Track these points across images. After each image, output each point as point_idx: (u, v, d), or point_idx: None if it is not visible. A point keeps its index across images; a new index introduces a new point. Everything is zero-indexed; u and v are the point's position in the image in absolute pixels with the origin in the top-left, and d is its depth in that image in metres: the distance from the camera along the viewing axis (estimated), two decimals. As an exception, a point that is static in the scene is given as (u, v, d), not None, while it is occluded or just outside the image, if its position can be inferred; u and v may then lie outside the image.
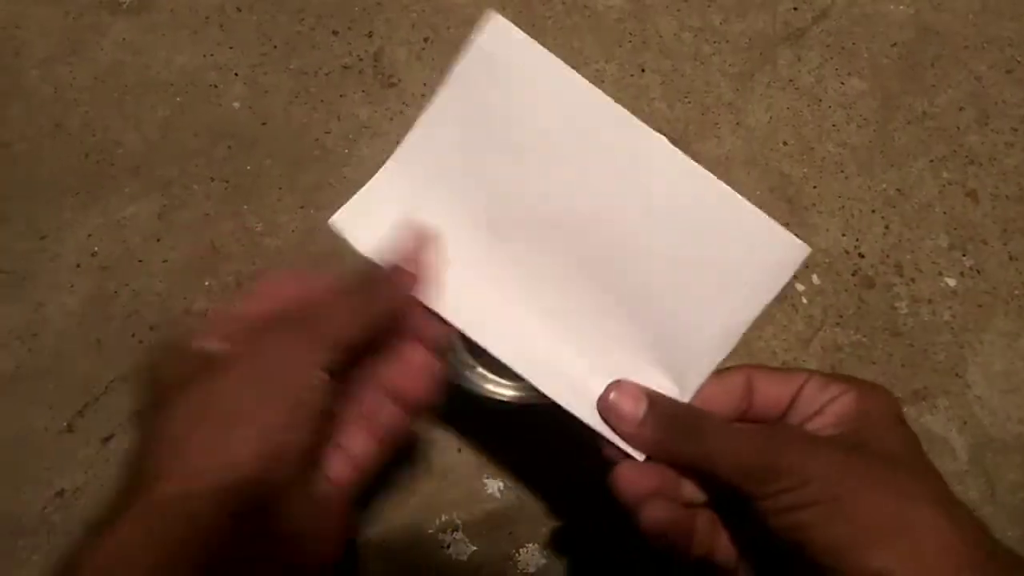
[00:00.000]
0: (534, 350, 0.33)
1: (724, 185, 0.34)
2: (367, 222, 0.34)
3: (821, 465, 0.29)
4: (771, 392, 0.33)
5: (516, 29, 0.31)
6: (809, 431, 0.31)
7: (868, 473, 0.29)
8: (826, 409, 0.32)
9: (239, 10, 0.60)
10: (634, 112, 0.57)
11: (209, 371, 0.28)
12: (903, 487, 0.29)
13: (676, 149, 0.34)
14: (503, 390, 0.44)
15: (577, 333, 0.34)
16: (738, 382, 0.34)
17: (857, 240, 0.53)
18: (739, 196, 0.34)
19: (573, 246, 0.34)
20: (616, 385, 0.32)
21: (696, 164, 0.34)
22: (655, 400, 0.32)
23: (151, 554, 0.25)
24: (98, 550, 0.25)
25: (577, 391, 0.33)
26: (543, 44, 0.62)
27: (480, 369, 0.43)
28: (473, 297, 0.33)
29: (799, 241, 0.33)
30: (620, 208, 0.33)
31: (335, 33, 0.59)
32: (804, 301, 0.51)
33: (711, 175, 0.34)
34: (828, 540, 0.28)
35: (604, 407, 0.32)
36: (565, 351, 0.34)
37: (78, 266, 0.50)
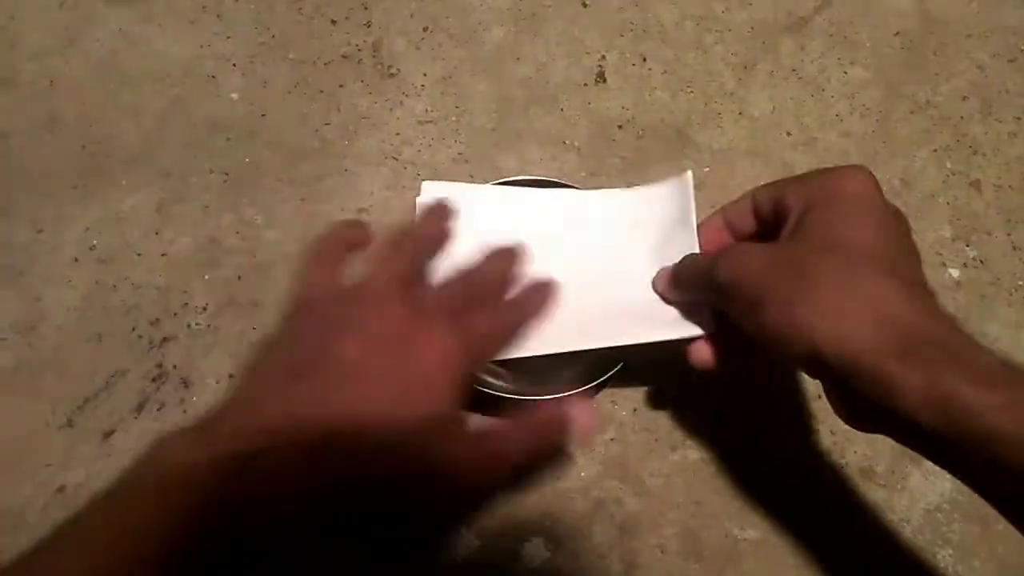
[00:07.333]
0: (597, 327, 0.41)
1: (604, 190, 0.47)
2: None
3: (747, 273, 0.34)
4: (742, 224, 0.40)
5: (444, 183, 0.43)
6: (744, 245, 0.38)
7: (790, 267, 0.32)
8: (785, 216, 0.36)
9: None
10: (636, 102, 0.57)
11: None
12: (839, 268, 0.31)
13: (571, 190, 0.47)
14: (502, 383, 0.44)
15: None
16: (716, 223, 0.41)
17: (860, 231, 0.53)
18: (618, 189, 0.47)
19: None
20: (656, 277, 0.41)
21: (585, 191, 0.48)
22: (672, 273, 0.40)
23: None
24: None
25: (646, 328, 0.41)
26: (545, 33, 0.61)
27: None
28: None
29: (676, 177, 0.45)
30: (577, 249, 0.45)
31: (333, 22, 0.58)
32: (807, 292, 0.50)
33: (595, 191, 0.47)
34: (768, 334, 0.32)
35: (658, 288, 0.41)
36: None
37: (76, 260, 0.49)
